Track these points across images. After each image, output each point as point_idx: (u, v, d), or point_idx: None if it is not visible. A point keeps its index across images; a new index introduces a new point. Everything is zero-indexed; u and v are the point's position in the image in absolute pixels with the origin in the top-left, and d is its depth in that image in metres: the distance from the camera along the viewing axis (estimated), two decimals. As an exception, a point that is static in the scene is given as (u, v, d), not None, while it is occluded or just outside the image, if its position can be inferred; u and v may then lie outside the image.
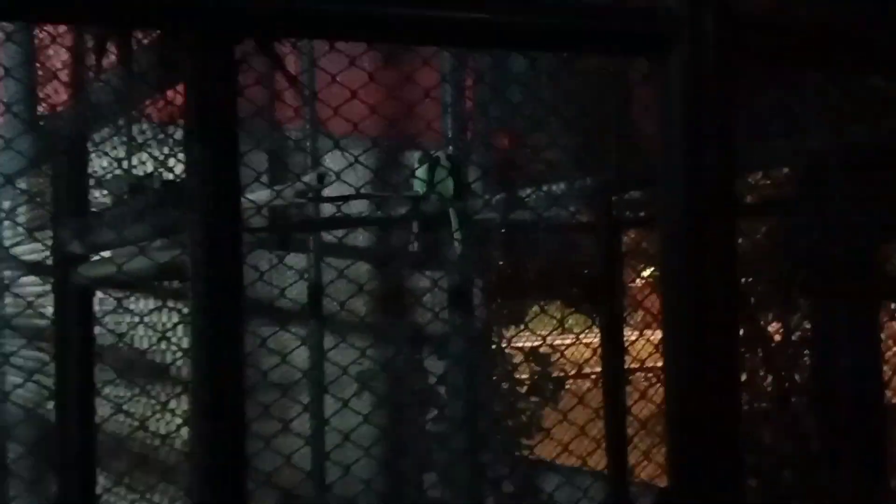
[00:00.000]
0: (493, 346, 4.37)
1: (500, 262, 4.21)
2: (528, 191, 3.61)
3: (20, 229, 3.09)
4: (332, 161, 4.23)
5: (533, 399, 4.55)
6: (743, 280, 3.78)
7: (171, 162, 2.13)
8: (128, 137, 2.29)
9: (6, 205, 2.98)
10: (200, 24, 1.74)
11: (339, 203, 3.75)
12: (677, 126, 1.66)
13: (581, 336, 3.77)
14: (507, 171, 3.92)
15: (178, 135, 2.13)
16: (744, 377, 3.54)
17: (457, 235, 3.67)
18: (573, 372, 4.19)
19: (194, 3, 1.69)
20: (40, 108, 2.53)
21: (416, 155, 3.83)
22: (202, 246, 1.91)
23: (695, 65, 1.68)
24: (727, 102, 1.66)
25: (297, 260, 4.17)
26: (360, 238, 4.06)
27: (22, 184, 2.69)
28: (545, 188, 3.55)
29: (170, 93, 2.17)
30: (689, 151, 1.65)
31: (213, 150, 1.96)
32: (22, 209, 3.12)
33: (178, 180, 2.15)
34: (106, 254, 2.29)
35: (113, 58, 2.08)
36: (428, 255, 3.82)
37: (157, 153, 2.17)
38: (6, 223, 3.19)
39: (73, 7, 1.58)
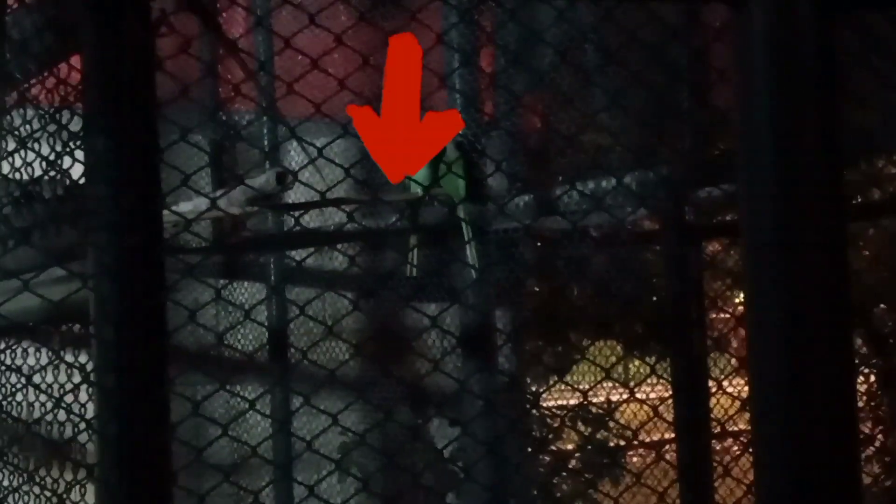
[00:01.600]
0: (525, 406, 4.36)
1: (531, 289, 4.21)
2: (567, 189, 3.61)
3: None
4: (297, 156, 4.26)
5: (582, 477, 4.54)
6: (863, 305, 3.77)
7: (66, 161, 2.13)
8: (4, 129, 2.31)
9: None
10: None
11: (304, 212, 3.77)
12: (760, 90, 1.66)
13: (645, 388, 3.76)
14: (538, 162, 3.93)
15: (76, 125, 2.14)
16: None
17: (470, 252, 3.67)
18: (636, 439, 4.19)
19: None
20: None
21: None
22: (111, 277, 1.93)
23: (786, 8, 1.68)
24: (830, 58, 1.66)
25: (249, 292, 4.19)
26: (338, 259, 4.07)
27: None
28: (590, 185, 3.55)
29: (62, 68, 2.18)
30: (778, 129, 1.65)
31: (123, 145, 1.97)
32: None
33: (75, 186, 2.15)
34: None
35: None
36: (430, 280, 3.82)
37: (44, 150, 2.17)
38: None
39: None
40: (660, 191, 3.51)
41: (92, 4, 1.92)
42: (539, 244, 3.90)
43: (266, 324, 4.10)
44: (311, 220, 3.96)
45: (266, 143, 4.17)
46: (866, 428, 4.17)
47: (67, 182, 2.19)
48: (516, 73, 3.89)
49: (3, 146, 2.27)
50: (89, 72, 2.01)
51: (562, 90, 3.83)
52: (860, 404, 4.17)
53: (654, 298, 4.09)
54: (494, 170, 3.87)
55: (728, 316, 4.09)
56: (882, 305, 4.24)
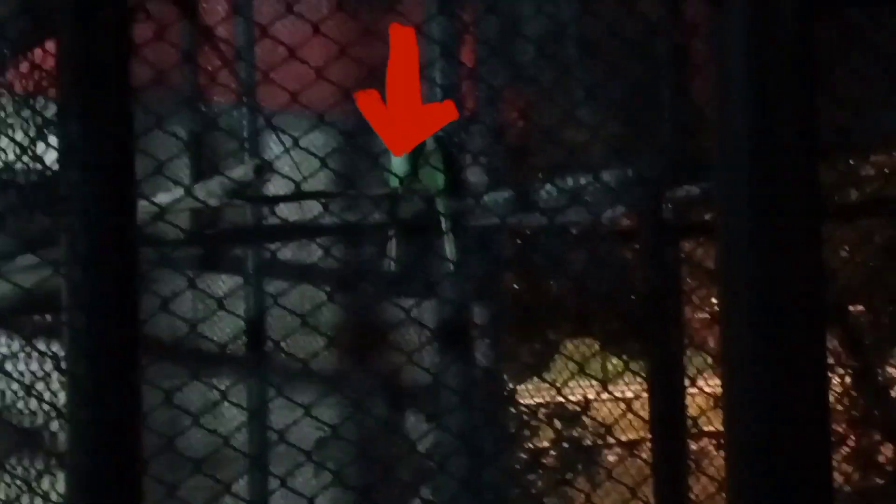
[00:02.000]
0: (502, 403, 4.36)
1: (509, 285, 4.21)
2: (547, 185, 3.61)
3: None
4: (276, 147, 4.24)
5: (557, 475, 4.54)
6: (846, 307, 3.79)
7: (40, 148, 2.12)
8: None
9: None
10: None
11: (279, 203, 3.75)
12: (738, 87, 1.65)
13: (620, 387, 3.77)
14: (517, 157, 3.92)
15: (50, 111, 2.12)
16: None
17: (449, 247, 3.67)
18: (611, 436, 4.19)
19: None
20: None
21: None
22: (84, 264, 1.92)
23: (765, 4, 1.68)
24: (810, 56, 1.66)
25: (228, 285, 4.16)
26: (314, 252, 4.06)
27: None
28: (568, 181, 3.55)
29: (36, 52, 2.17)
30: (756, 126, 1.65)
31: (96, 131, 1.96)
32: None
33: (48, 172, 2.14)
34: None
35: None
36: (408, 274, 3.81)
37: (18, 136, 2.16)
38: None
39: None
40: (637, 188, 3.51)
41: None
42: (517, 240, 3.91)
43: (243, 316, 4.08)
44: (289, 212, 3.94)
45: (245, 133, 4.14)
46: (840, 428, 4.19)
47: (41, 168, 2.18)
48: (496, 67, 3.89)
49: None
50: (64, 57, 2.00)
51: (541, 84, 3.83)
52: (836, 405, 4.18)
53: (632, 296, 4.09)
54: (472, 164, 3.87)
55: (705, 315, 4.11)
56: (859, 306, 4.26)
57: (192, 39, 3.54)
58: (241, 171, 3.48)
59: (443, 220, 3.73)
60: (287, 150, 2.77)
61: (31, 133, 2.16)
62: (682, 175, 3.57)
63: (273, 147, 4.30)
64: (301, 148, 3.51)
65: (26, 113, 2.19)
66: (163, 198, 3.31)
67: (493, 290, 3.96)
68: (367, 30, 3.63)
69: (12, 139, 2.25)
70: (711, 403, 3.67)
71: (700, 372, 3.97)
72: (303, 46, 3.42)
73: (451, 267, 3.74)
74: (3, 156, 2.30)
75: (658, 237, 3.57)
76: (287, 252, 4.11)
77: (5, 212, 2.17)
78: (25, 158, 2.20)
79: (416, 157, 3.72)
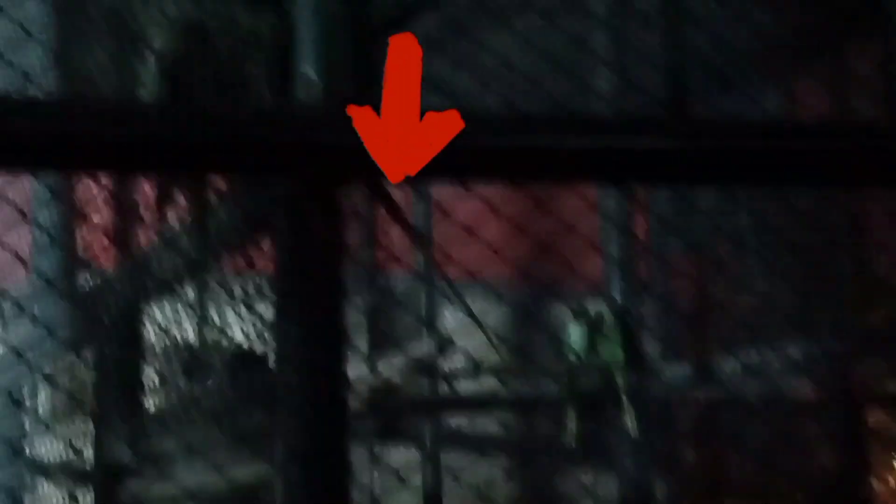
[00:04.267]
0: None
1: (691, 459, 4.14)
2: (728, 358, 3.58)
3: (42, 422, 3.21)
4: (452, 319, 4.30)
5: None
6: None
7: (249, 332, 2.20)
8: (196, 304, 2.39)
9: (26, 390, 3.11)
10: (306, 166, 1.84)
11: (460, 379, 3.79)
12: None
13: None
14: (697, 331, 3.90)
15: (257, 296, 2.21)
16: None
17: (630, 420, 3.63)
18: None
19: (298, 144, 1.80)
20: (82, 275, 2.67)
21: (567, 310, 3.84)
22: (300, 462, 1.97)
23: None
24: None
25: (404, 456, 4.19)
26: (493, 425, 4.07)
27: (50, 367, 2.81)
28: (749, 353, 3.52)
29: (249, 248, 2.26)
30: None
31: (313, 334, 2.03)
32: (44, 395, 3.25)
33: (257, 356, 2.22)
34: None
35: (177, 210, 2.20)
36: (588, 447, 3.78)
37: (230, 322, 2.25)
38: (24, 413, 3.32)
39: (160, 156, 1.70)
40: (820, 361, 3.45)
41: (284, 199, 2.00)
42: (700, 413, 3.86)
43: (421, 487, 4.10)
44: (466, 384, 3.97)
45: (423, 306, 4.22)
46: None
47: (254, 358, 2.26)
48: (670, 239, 3.91)
49: (204, 318, 2.35)
50: (282, 262, 2.09)
51: (716, 256, 3.83)
52: None
53: (816, 469, 3.98)
54: (649, 335, 3.86)
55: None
56: None
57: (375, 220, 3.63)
58: (424, 348, 3.54)
59: (622, 393, 3.70)
60: (477, 323, 2.81)
61: (240, 320, 2.24)
62: (865, 347, 3.51)
63: (450, 319, 4.36)
64: (478, 321, 3.55)
65: (239, 298, 2.28)
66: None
67: (673, 464, 3.90)
68: (542, 204, 3.68)
69: (218, 326, 2.34)
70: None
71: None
72: (479, 222, 3.49)
73: (632, 440, 3.70)
74: (219, 337, 2.39)
75: (845, 410, 3.50)
76: (464, 423, 4.14)
77: (216, 403, 2.24)
78: (236, 340, 2.29)
79: (595, 329, 3.72)
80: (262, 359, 2.43)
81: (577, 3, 3.72)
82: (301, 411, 2.01)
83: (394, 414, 4.12)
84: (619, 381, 3.72)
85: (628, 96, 3.60)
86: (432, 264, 3.69)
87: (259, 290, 2.36)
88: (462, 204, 3.81)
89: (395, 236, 4.24)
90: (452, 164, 2.01)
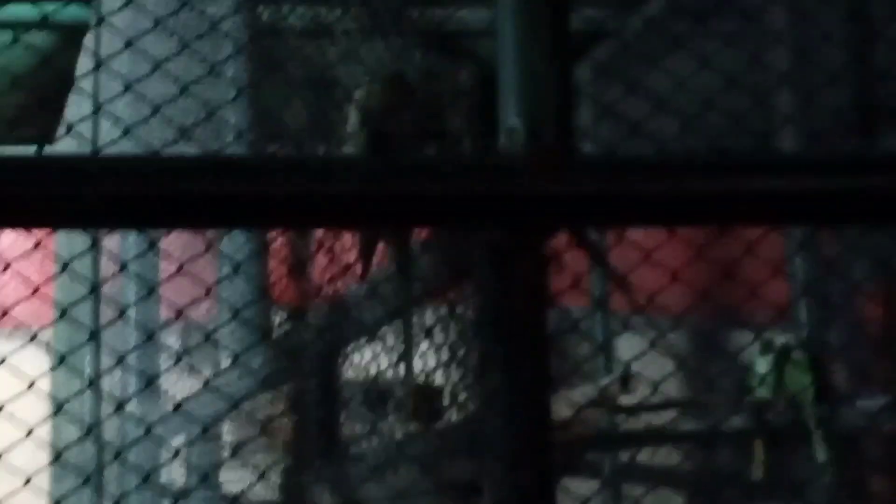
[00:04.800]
0: None
1: (884, 492, 4.00)
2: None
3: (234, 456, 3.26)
4: (629, 350, 4.24)
5: None
6: None
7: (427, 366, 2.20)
8: (394, 348, 2.40)
9: (227, 436, 3.17)
10: (512, 217, 1.83)
11: (640, 413, 3.73)
12: None
13: None
14: (889, 360, 3.77)
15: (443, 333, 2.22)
16: None
17: (821, 457, 3.52)
18: None
19: (504, 194, 1.79)
20: (274, 315, 2.71)
21: (753, 339, 3.75)
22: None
23: None
24: None
25: (583, 487, 4.15)
26: (674, 458, 4.00)
27: (248, 410, 2.86)
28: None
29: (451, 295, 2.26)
30: None
31: (519, 382, 2.01)
32: (235, 433, 3.31)
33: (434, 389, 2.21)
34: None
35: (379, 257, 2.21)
36: (779, 484, 3.68)
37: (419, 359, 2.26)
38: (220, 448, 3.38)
39: (367, 211, 1.71)
40: None
41: (489, 248, 1.98)
42: (891, 444, 3.72)
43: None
44: (648, 415, 3.91)
45: (599, 337, 4.18)
46: None
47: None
48: (859, 263, 3.78)
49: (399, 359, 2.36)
50: (484, 308, 2.07)
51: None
52: None
53: None
54: (839, 365, 3.74)
55: None
56: None
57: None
58: (607, 382, 3.49)
59: (812, 425, 3.60)
60: (644, 353, 2.76)
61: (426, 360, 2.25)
62: None
63: (628, 350, 4.30)
64: (655, 351, 3.49)
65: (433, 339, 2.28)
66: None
67: (865, 497, 3.77)
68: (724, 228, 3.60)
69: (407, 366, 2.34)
70: None
71: None
72: (656, 247, 3.43)
73: (823, 473, 3.59)
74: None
75: None
76: (645, 456, 4.07)
77: (421, 453, 2.24)
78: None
79: (783, 363, 3.63)
80: (439, 392, 2.43)
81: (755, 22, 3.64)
82: (510, 460, 2.00)
83: (573, 446, 4.08)
84: (809, 412, 3.62)
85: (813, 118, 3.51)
86: (636, 307, 3.64)
87: (446, 328, 2.35)
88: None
89: (570, 267, 4.21)
90: (647, 210, 1.99)
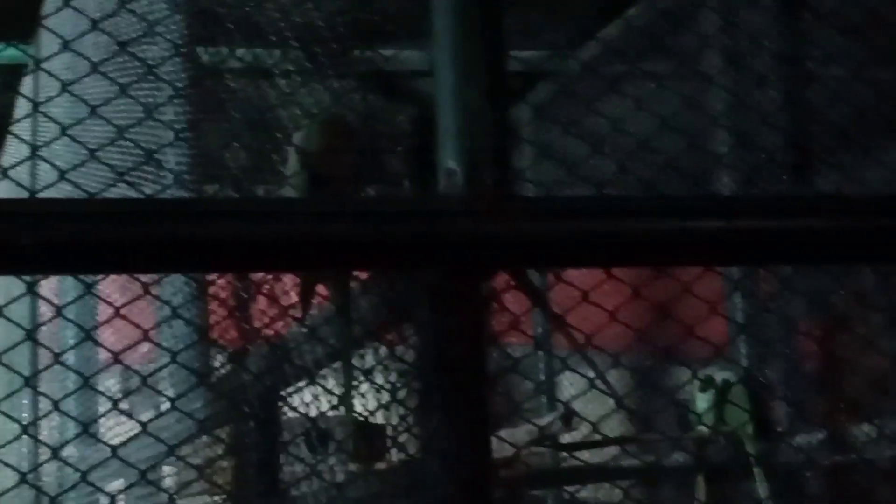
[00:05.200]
0: None
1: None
2: (861, 422, 3.48)
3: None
4: (570, 388, 4.26)
5: None
6: None
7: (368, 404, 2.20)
8: (334, 389, 2.40)
9: (166, 480, 3.14)
10: (452, 258, 1.83)
11: (581, 449, 3.74)
12: None
13: None
14: (827, 395, 3.81)
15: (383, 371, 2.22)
16: None
17: (763, 492, 3.56)
18: None
19: (444, 236, 1.80)
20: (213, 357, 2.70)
21: (691, 376, 3.78)
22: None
23: None
24: None
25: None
26: (616, 494, 4.01)
27: (187, 453, 2.83)
28: (886, 417, 3.42)
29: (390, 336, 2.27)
30: None
31: (457, 425, 2.02)
32: (174, 477, 3.27)
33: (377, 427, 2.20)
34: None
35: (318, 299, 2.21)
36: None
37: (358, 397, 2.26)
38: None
39: (306, 253, 1.71)
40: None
41: (429, 287, 1.99)
42: (830, 478, 3.76)
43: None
44: (588, 453, 3.92)
45: (542, 376, 4.19)
46: None
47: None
48: (795, 301, 3.82)
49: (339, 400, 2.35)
50: (424, 348, 2.08)
51: (843, 316, 3.73)
52: None
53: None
54: (777, 400, 3.78)
55: None
56: None
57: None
58: (548, 420, 3.50)
59: (752, 460, 3.63)
60: (607, 390, 2.78)
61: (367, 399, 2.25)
62: None
63: (569, 387, 4.32)
64: (598, 389, 3.50)
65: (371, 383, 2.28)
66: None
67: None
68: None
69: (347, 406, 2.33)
70: None
71: None
72: (594, 287, 3.45)
73: (765, 509, 3.62)
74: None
75: None
76: (588, 493, 4.08)
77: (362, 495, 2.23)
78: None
79: (721, 396, 3.66)
80: (380, 430, 2.43)
81: (690, 64, 3.69)
82: (450, 501, 2.00)
83: (514, 484, 4.08)
84: (749, 448, 3.65)
85: (747, 159, 3.56)
86: (575, 346, 3.66)
87: (386, 367, 2.36)
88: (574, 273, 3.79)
89: (511, 306, 4.23)
90: (586, 251, 2.01)
